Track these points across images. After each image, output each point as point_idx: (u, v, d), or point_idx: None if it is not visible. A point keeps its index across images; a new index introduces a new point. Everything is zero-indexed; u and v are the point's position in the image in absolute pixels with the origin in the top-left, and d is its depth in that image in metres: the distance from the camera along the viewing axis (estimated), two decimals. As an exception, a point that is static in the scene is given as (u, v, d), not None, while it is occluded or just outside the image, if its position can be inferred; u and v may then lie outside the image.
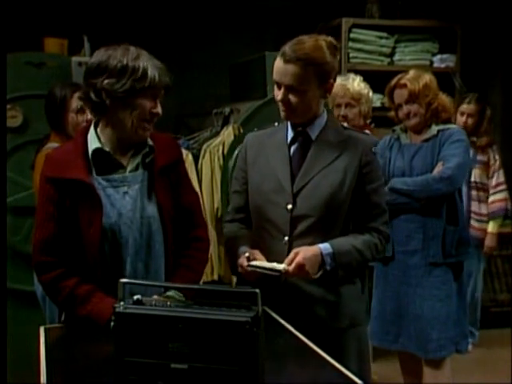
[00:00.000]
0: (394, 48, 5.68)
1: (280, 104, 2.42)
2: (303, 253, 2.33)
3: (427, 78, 3.51)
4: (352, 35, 5.51)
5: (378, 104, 5.53)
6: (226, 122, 4.73)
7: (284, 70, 2.35)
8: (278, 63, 2.37)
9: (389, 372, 4.30)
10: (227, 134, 4.50)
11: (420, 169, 3.45)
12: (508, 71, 5.98)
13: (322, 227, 2.44)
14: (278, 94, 2.40)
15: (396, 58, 5.69)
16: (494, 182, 4.88)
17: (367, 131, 3.94)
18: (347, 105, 4.00)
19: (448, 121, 3.59)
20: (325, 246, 2.39)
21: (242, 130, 4.43)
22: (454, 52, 5.72)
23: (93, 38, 4.39)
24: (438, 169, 3.39)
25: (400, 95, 3.51)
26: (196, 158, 4.50)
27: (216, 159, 4.46)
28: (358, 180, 2.45)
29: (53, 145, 3.38)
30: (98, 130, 2.23)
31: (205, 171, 4.49)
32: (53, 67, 4.20)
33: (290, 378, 1.79)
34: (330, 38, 2.46)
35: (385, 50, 5.64)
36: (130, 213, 2.21)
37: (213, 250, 4.47)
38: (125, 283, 1.63)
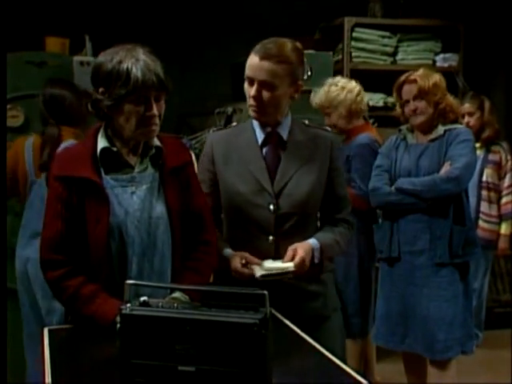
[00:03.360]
0: (396, 47, 5.67)
1: (251, 101, 2.48)
2: (302, 248, 2.44)
3: (437, 77, 3.51)
4: (354, 34, 5.49)
5: (380, 103, 5.54)
6: (228, 122, 4.70)
7: (259, 66, 2.42)
8: (253, 60, 2.44)
9: (392, 373, 4.28)
10: (230, 134, 4.48)
11: (427, 169, 3.42)
12: (511, 70, 5.97)
13: (304, 223, 2.57)
14: (251, 91, 2.46)
15: (399, 57, 5.68)
16: (506, 182, 4.80)
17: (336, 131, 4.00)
18: (325, 114, 4.09)
19: (455, 121, 3.57)
20: (313, 242, 2.52)
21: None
22: (457, 51, 5.71)
23: (94, 37, 4.38)
24: (446, 169, 3.37)
25: (409, 91, 3.50)
26: (198, 158, 4.47)
27: (218, 159, 4.43)
28: (328, 175, 2.60)
29: (73, 142, 3.44)
30: (108, 130, 2.24)
31: (207, 171, 4.46)
32: (54, 67, 4.18)
33: (297, 380, 1.77)
34: (297, 42, 2.55)
35: (387, 49, 5.63)
36: (137, 212, 2.20)
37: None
38: (131, 284, 1.62)
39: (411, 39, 5.69)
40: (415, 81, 3.46)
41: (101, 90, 2.12)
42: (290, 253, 2.43)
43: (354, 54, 5.52)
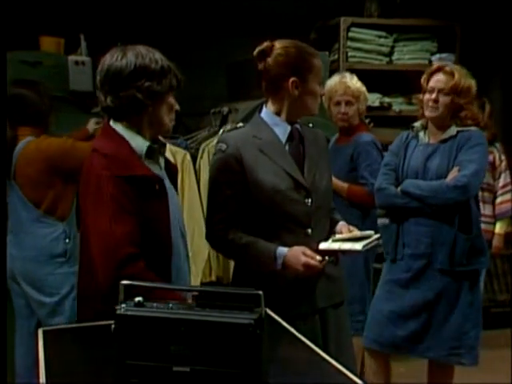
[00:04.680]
0: (392, 47, 5.66)
1: (320, 100, 2.73)
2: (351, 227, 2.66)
3: (472, 82, 3.39)
4: (350, 34, 5.49)
5: (376, 103, 5.53)
6: (224, 122, 4.70)
7: None
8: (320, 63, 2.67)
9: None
10: (225, 134, 4.47)
11: (435, 171, 3.32)
12: (508, 71, 5.96)
13: (327, 214, 2.73)
14: (322, 90, 2.72)
15: (395, 57, 5.67)
16: (501, 182, 4.78)
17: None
18: (347, 102, 4.00)
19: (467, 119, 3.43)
20: (344, 223, 2.72)
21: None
22: (453, 51, 5.71)
23: (89, 36, 4.37)
24: (453, 174, 3.26)
25: (440, 80, 3.35)
26: (194, 158, 4.47)
27: (214, 159, 4.42)
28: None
29: (31, 138, 3.50)
30: (133, 128, 2.27)
31: (203, 171, 4.46)
32: (49, 66, 4.18)
33: (292, 380, 1.76)
34: None
35: (383, 49, 5.62)
36: (175, 205, 2.35)
37: (211, 250, 4.44)
38: (125, 285, 1.61)
39: (407, 39, 5.69)
40: (452, 74, 3.33)
41: (149, 83, 2.19)
42: (345, 229, 2.63)
43: (350, 54, 5.52)
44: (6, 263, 3.24)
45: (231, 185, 2.57)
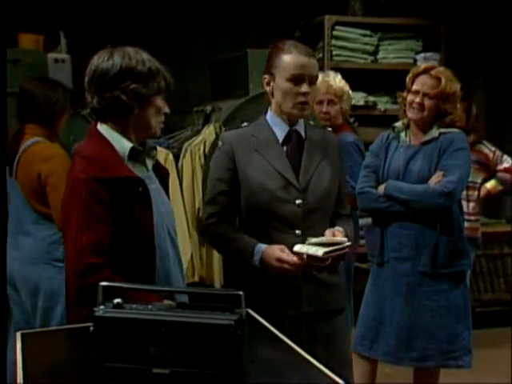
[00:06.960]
0: (377, 46, 5.69)
1: (302, 98, 2.57)
2: (337, 231, 2.57)
3: (458, 87, 3.34)
4: (335, 33, 5.50)
5: (361, 102, 5.53)
6: (207, 121, 4.69)
7: (309, 63, 2.57)
8: (301, 58, 2.56)
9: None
10: (208, 133, 4.46)
11: (416, 173, 3.29)
12: (492, 70, 5.98)
13: (325, 217, 2.69)
14: (302, 88, 2.55)
15: (379, 56, 5.69)
16: (505, 164, 4.74)
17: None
18: (329, 102, 3.96)
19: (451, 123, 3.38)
20: (339, 229, 2.63)
21: (223, 129, 4.38)
22: (438, 50, 5.73)
23: (69, 33, 4.31)
24: (438, 179, 3.23)
25: (425, 84, 3.29)
26: (177, 158, 4.45)
27: (197, 158, 4.41)
28: (339, 174, 2.76)
29: (38, 139, 3.37)
30: (118, 129, 2.24)
31: (186, 171, 4.44)
32: (28, 64, 4.12)
33: (274, 381, 1.73)
34: None
35: (368, 47, 5.63)
36: (162, 208, 2.30)
37: (194, 250, 4.42)
38: (104, 286, 1.58)
39: (392, 38, 5.71)
40: (438, 79, 3.27)
41: (136, 85, 2.17)
42: (329, 233, 2.55)
43: (334, 53, 5.53)
44: (5, 260, 3.17)
45: (224, 181, 2.64)
